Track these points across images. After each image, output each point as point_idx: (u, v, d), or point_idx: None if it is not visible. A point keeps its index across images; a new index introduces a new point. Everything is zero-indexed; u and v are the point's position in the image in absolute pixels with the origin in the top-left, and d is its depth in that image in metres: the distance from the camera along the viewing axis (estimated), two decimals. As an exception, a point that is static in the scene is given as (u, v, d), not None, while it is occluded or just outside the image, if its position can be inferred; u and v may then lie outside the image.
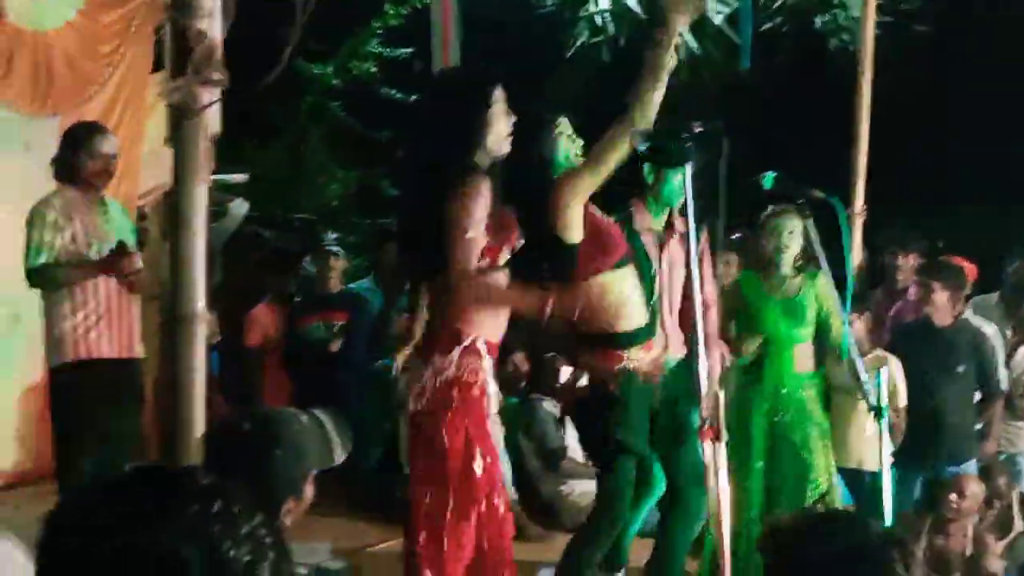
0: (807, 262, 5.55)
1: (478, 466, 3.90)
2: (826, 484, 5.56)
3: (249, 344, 7.49)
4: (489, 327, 3.96)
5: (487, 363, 3.92)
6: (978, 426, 6.73)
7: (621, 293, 4.56)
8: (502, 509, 4.08)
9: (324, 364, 7.29)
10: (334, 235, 7.97)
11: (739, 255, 6.77)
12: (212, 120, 3.23)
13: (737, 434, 5.43)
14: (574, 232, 4.34)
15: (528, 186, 4.30)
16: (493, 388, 3.98)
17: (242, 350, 7.46)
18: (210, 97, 3.13)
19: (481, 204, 3.82)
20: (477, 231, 3.81)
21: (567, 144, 4.65)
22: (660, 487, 5.15)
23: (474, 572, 4.04)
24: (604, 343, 4.57)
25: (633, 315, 4.59)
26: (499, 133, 3.98)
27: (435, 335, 4.02)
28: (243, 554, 1.57)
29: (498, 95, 3.99)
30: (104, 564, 1.52)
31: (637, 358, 4.59)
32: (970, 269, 7.22)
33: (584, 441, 4.69)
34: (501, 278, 3.96)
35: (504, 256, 3.97)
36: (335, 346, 7.41)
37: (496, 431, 4.28)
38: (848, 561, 2.31)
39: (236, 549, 1.56)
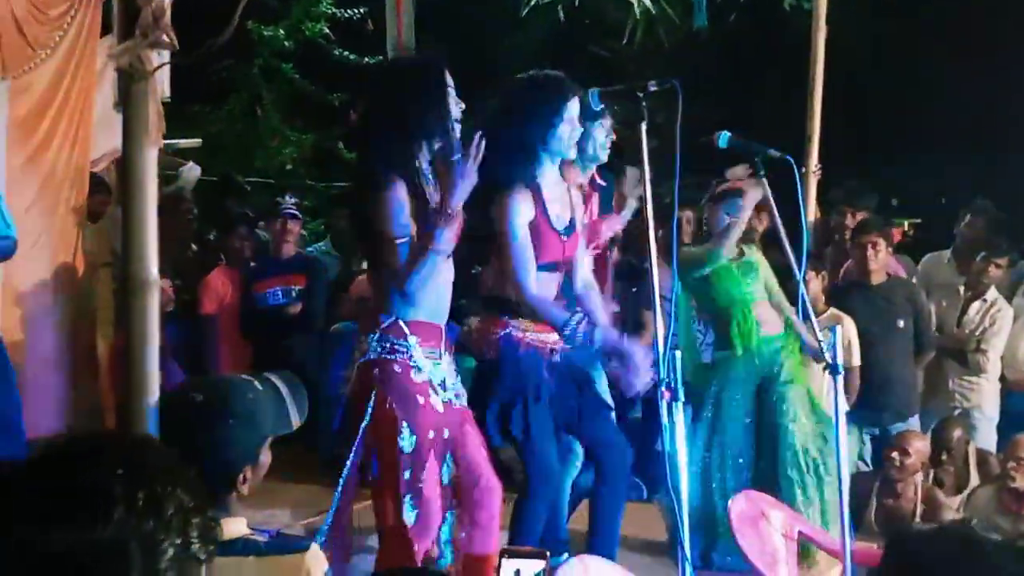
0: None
1: (405, 443, 3.93)
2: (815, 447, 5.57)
3: (204, 311, 7.44)
4: (412, 307, 3.98)
5: (412, 341, 3.96)
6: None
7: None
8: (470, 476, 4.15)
9: (282, 329, 7.25)
10: (293, 199, 7.86)
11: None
12: (162, 83, 3.19)
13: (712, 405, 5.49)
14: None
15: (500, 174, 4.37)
16: (427, 365, 4.00)
17: (197, 318, 7.42)
18: (159, 60, 3.08)
19: (395, 204, 3.91)
20: (397, 230, 3.91)
21: (565, 130, 4.53)
22: (576, 461, 5.15)
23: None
24: (493, 306, 4.57)
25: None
26: (453, 117, 4.05)
27: (364, 316, 4.12)
28: (174, 537, 1.58)
29: (449, 82, 4.04)
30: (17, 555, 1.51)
31: (523, 328, 4.58)
32: (896, 232, 7.31)
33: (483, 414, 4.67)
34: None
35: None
36: (295, 309, 7.37)
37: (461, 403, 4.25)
38: None
39: (167, 538, 1.58)
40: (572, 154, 4.65)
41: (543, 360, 4.63)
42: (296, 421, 2.80)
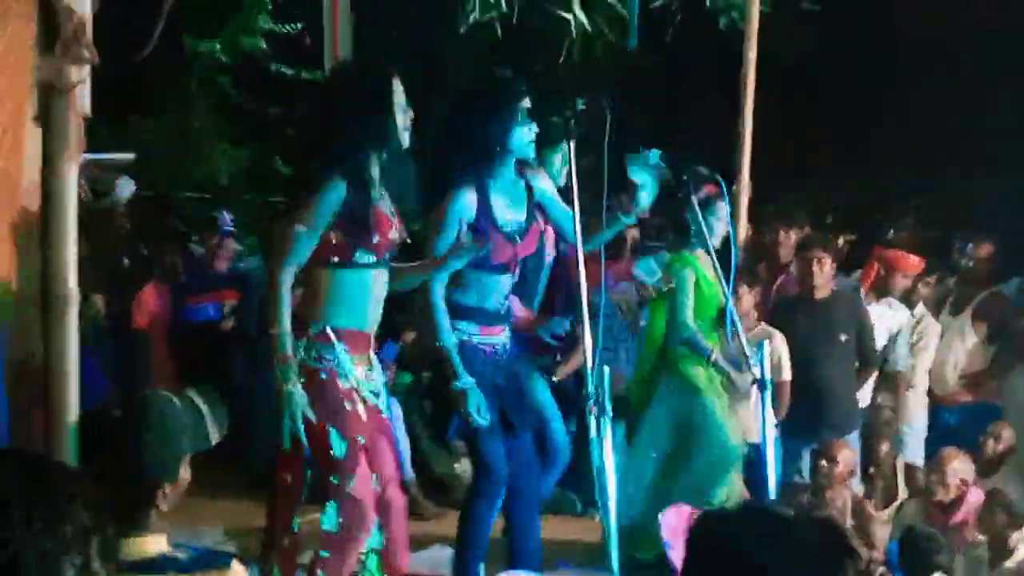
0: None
1: (336, 449, 3.94)
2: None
3: (136, 326, 7.37)
4: (342, 315, 4.00)
5: (339, 349, 3.98)
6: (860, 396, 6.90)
7: (481, 282, 4.59)
8: (380, 487, 4.14)
9: (214, 344, 7.20)
10: (231, 217, 7.84)
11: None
12: (83, 98, 3.17)
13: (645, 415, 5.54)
14: None
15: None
16: (354, 372, 4.04)
17: (129, 332, 7.35)
18: (79, 75, 3.06)
19: (325, 203, 3.92)
20: (311, 226, 3.92)
21: (524, 133, 4.55)
22: (564, 456, 5.16)
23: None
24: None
25: (480, 295, 4.60)
26: (400, 126, 4.05)
27: (292, 324, 4.10)
28: (73, 556, 1.57)
29: (397, 88, 4.03)
30: None
31: (470, 332, 4.59)
32: (917, 262, 7.25)
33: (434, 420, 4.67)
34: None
35: (361, 256, 4.02)
36: (227, 324, 7.32)
37: (382, 411, 4.25)
38: None
39: (67, 557, 1.57)
40: (531, 153, 4.65)
41: (487, 360, 4.65)
42: (215, 437, 2.79)
